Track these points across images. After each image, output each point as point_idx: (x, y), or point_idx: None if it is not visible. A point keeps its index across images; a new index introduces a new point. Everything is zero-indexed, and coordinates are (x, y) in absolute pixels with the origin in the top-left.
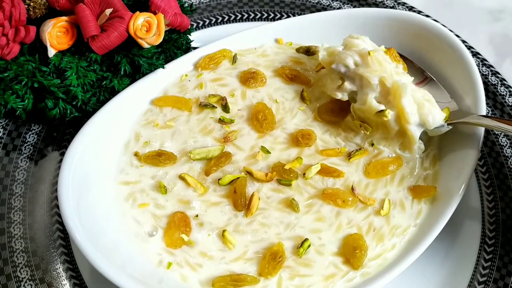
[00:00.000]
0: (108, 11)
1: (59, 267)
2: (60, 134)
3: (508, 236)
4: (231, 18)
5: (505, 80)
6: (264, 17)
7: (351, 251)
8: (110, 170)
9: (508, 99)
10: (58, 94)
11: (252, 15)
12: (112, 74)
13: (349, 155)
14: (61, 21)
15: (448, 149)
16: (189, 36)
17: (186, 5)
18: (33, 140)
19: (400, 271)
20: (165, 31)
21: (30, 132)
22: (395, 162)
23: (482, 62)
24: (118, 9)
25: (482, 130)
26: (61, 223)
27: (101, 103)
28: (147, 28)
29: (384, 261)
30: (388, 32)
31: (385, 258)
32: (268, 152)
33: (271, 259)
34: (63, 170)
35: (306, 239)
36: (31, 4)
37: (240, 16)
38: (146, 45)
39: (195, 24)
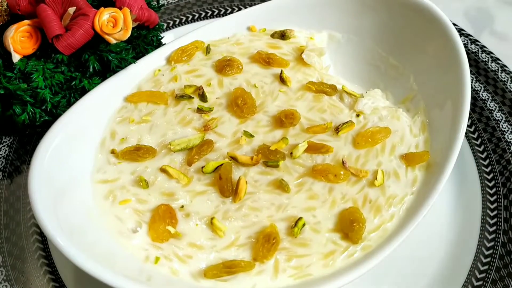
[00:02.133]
0: (71, 10)
1: (41, 279)
2: (32, 145)
3: (509, 198)
4: (202, 15)
5: (485, 47)
6: (235, 11)
7: (348, 225)
8: (86, 170)
9: (490, 65)
10: (25, 97)
11: (223, 10)
12: (82, 74)
13: (337, 129)
14: (24, 25)
15: (436, 113)
16: (159, 33)
17: (153, 2)
18: (4, 153)
19: (401, 240)
20: (134, 28)
21: (1, 145)
22: (383, 131)
23: (460, 32)
24: (81, 7)
25: (468, 95)
26: (40, 234)
27: (71, 105)
28: (114, 24)
29: (384, 232)
30: (364, 7)
31: (385, 229)
32: (251, 136)
33: (264, 242)
34: (31, 175)
35: (300, 218)
36: None
37: (210, 12)
38: (113, 41)
39: (165, 25)
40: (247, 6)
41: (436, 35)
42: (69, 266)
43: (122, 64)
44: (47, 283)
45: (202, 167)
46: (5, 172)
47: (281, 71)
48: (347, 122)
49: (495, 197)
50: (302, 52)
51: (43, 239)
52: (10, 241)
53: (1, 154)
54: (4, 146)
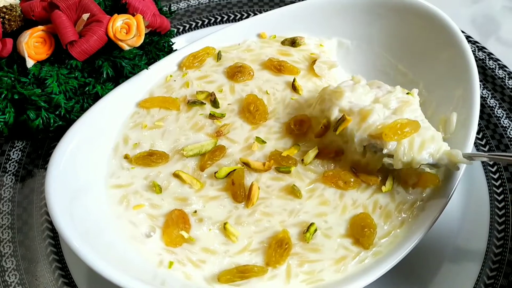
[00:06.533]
0: (85, 16)
1: (54, 283)
2: (45, 149)
3: None
4: (211, 21)
5: (492, 54)
6: (244, 17)
7: (359, 231)
8: (100, 175)
9: (498, 72)
10: (39, 103)
11: (232, 16)
12: (95, 80)
13: (335, 129)
14: (38, 31)
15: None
16: (170, 39)
17: (164, 9)
18: (17, 157)
19: (411, 247)
20: (146, 34)
21: (13, 149)
22: (411, 124)
23: (467, 39)
24: (95, 13)
25: (477, 103)
26: (53, 238)
27: (85, 111)
28: (127, 30)
29: (395, 239)
30: (373, 15)
31: (396, 235)
32: (263, 142)
33: (277, 247)
34: (48, 178)
35: (312, 224)
36: (6, 17)
37: (220, 18)
38: (127, 47)
39: (175, 30)
40: (256, 13)
41: (445, 43)
42: (82, 269)
43: (135, 70)
44: (60, 287)
45: (215, 173)
46: (18, 176)
47: (294, 79)
48: (341, 117)
49: (503, 203)
50: (314, 61)
51: (56, 243)
52: (23, 245)
53: (14, 158)
54: (17, 150)
